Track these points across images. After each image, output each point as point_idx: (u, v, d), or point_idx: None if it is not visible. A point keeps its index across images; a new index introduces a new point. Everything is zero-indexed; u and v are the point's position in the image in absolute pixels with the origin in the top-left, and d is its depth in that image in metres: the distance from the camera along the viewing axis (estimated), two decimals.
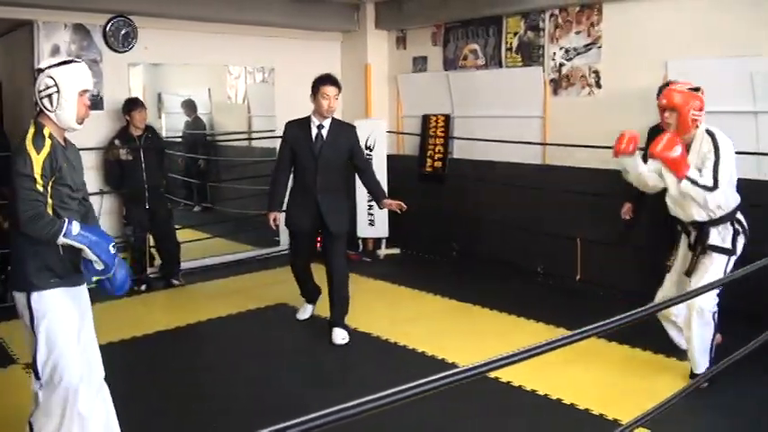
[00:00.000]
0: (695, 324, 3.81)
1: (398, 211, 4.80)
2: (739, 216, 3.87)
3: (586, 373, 4.13)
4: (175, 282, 6.29)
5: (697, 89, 3.77)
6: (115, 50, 6.19)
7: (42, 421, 2.80)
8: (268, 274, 6.66)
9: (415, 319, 5.29)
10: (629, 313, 1.81)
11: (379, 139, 7.25)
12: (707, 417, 3.63)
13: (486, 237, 6.87)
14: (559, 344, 1.62)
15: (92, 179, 5.94)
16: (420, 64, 7.50)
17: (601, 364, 4.26)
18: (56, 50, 5.87)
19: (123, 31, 6.19)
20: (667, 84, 4.27)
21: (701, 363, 3.85)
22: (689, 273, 3.93)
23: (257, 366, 4.43)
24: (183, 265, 6.49)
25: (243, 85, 8.82)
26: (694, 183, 3.63)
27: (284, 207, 4.94)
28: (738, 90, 4.96)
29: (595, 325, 1.71)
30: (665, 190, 3.92)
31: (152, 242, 6.35)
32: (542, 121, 6.36)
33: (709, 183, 3.63)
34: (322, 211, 4.71)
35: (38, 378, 2.79)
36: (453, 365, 4.21)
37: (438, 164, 7.25)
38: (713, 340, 3.87)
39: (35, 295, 2.78)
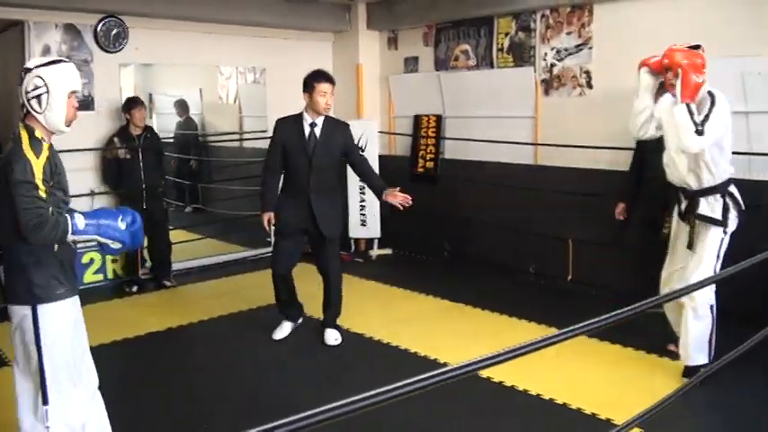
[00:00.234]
0: (690, 315, 3.83)
1: (401, 208, 4.52)
2: (732, 190, 3.88)
3: (579, 372, 4.14)
4: (167, 283, 6.27)
5: (697, 47, 3.74)
6: (106, 51, 6.17)
7: None
8: (260, 275, 6.61)
9: (407, 320, 5.28)
10: (621, 310, 1.81)
11: (370, 139, 7.24)
12: (701, 416, 3.64)
13: (478, 237, 6.88)
14: (550, 342, 1.62)
15: (83, 180, 5.93)
16: (411, 64, 7.50)
17: (593, 363, 4.27)
18: (47, 51, 5.85)
19: (114, 32, 6.17)
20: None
21: (694, 356, 3.86)
22: (690, 245, 3.93)
23: (249, 367, 4.42)
24: (175, 266, 6.48)
25: (234, 85, 8.81)
26: (690, 113, 3.62)
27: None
28: (729, 90, 4.96)
29: (585, 323, 1.71)
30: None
31: (145, 243, 6.33)
32: (534, 121, 6.37)
33: (700, 127, 3.62)
34: (315, 213, 4.56)
35: (45, 402, 2.68)
36: (445, 365, 4.20)
37: (430, 164, 7.25)
38: (711, 334, 3.87)
39: (43, 308, 2.65)
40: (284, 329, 4.89)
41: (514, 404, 3.81)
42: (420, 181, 7.27)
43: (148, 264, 6.40)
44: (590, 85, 5.95)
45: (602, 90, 5.85)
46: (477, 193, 6.77)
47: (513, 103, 6.50)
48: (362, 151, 7.12)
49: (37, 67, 2.68)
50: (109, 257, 6.18)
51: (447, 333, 4.97)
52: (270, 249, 7.07)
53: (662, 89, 4.06)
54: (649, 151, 4.55)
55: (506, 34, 6.54)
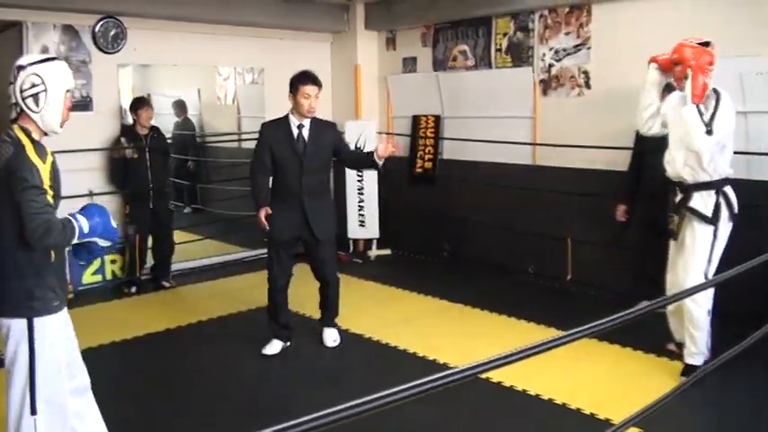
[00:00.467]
0: (686, 318, 3.86)
1: (393, 149, 4.43)
2: (727, 190, 3.87)
3: (578, 372, 4.14)
4: (166, 284, 6.27)
5: (707, 44, 3.73)
6: (104, 51, 6.16)
7: None
8: (258, 275, 6.59)
9: (406, 320, 5.28)
10: (622, 313, 1.81)
11: (369, 139, 7.24)
12: (699, 415, 3.65)
13: (477, 237, 6.88)
14: (554, 344, 1.62)
15: (81, 181, 5.91)
16: (410, 65, 7.49)
17: (592, 363, 4.27)
18: (45, 51, 5.83)
19: (112, 32, 6.16)
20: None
21: (694, 354, 3.89)
22: (676, 237, 3.95)
23: (249, 368, 4.42)
24: (174, 267, 6.47)
25: (232, 85, 8.80)
26: (700, 114, 3.65)
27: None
28: (728, 90, 4.96)
29: (591, 325, 1.71)
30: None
31: (150, 243, 6.33)
32: (532, 121, 6.37)
33: (708, 127, 3.65)
34: (308, 216, 4.46)
35: (33, 412, 2.57)
36: (445, 366, 4.20)
37: (428, 164, 7.25)
38: (707, 334, 3.88)
39: (39, 321, 2.55)
40: (275, 347, 4.64)
41: (514, 404, 3.81)
42: (419, 181, 7.27)
43: (151, 263, 6.38)
44: (588, 86, 5.95)
45: (600, 90, 5.86)
46: (475, 193, 6.77)
47: (512, 104, 6.50)
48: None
49: (31, 64, 2.58)
50: (108, 258, 6.17)
51: (446, 333, 4.97)
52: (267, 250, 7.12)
53: (668, 89, 4.07)
54: (649, 151, 4.56)
55: (505, 34, 6.54)
